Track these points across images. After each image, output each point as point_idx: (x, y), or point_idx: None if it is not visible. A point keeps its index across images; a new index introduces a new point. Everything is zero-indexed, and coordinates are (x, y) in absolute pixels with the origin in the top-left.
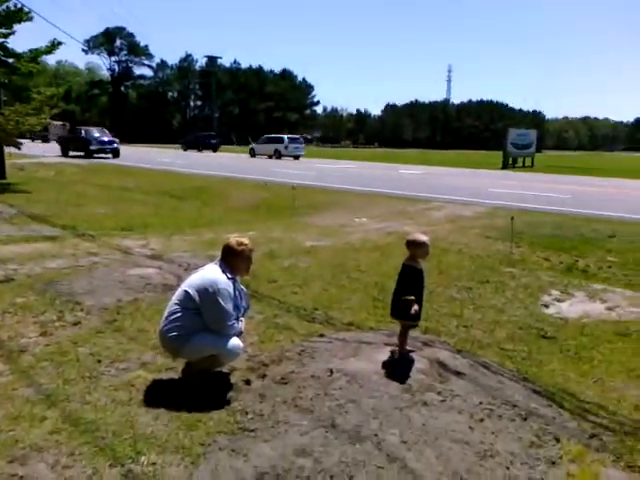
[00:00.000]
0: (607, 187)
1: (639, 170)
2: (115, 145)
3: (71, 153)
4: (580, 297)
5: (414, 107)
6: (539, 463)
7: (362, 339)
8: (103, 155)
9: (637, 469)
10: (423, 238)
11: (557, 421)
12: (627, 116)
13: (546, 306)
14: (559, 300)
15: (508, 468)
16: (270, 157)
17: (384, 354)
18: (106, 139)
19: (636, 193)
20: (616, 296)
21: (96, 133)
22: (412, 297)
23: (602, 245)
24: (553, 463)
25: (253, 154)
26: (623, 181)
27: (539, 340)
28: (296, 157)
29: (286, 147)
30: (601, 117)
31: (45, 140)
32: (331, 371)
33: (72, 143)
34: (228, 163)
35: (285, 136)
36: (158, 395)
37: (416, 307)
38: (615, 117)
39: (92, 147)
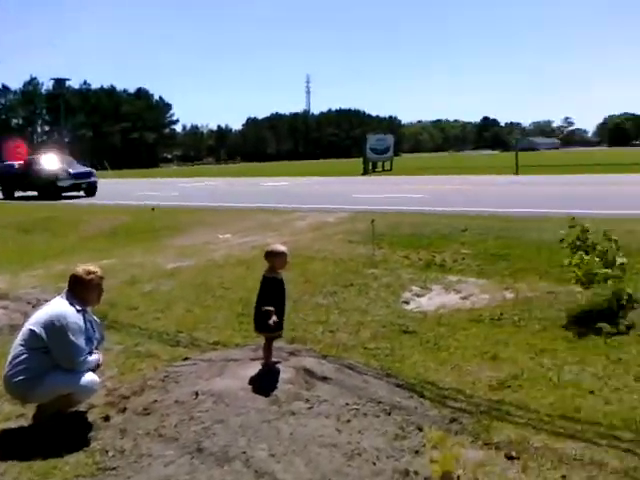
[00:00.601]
0: (460, 184)
1: (483, 167)
2: (93, 178)
3: (19, 194)
4: (437, 290)
5: (275, 120)
6: (404, 454)
7: (229, 357)
8: (74, 193)
9: (493, 446)
10: (281, 248)
11: (419, 411)
12: (475, 117)
13: (407, 302)
14: (419, 295)
15: (374, 464)
16: None
17: (251, 369)
18: (74, 171)
19: (479, 188)
20: (469, 286)
21: (61, 163)
22: (271, 308)
23: (456, 239)
24: (417, 452)
25: None
26: (476, 177)
27: (401, 336)
28: None
29: None
30: (452, 119)
31: None
32: (196, 394)
33: (21, 180)
34: None
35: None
36: (7, 446)
37: (275, 318)
38: (464, 118)
39: (60, 183)
